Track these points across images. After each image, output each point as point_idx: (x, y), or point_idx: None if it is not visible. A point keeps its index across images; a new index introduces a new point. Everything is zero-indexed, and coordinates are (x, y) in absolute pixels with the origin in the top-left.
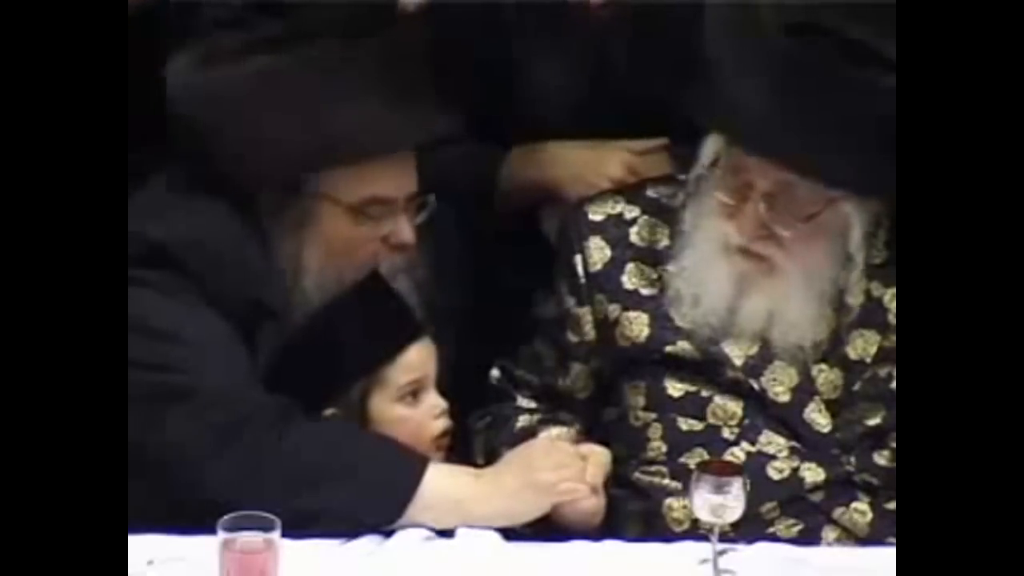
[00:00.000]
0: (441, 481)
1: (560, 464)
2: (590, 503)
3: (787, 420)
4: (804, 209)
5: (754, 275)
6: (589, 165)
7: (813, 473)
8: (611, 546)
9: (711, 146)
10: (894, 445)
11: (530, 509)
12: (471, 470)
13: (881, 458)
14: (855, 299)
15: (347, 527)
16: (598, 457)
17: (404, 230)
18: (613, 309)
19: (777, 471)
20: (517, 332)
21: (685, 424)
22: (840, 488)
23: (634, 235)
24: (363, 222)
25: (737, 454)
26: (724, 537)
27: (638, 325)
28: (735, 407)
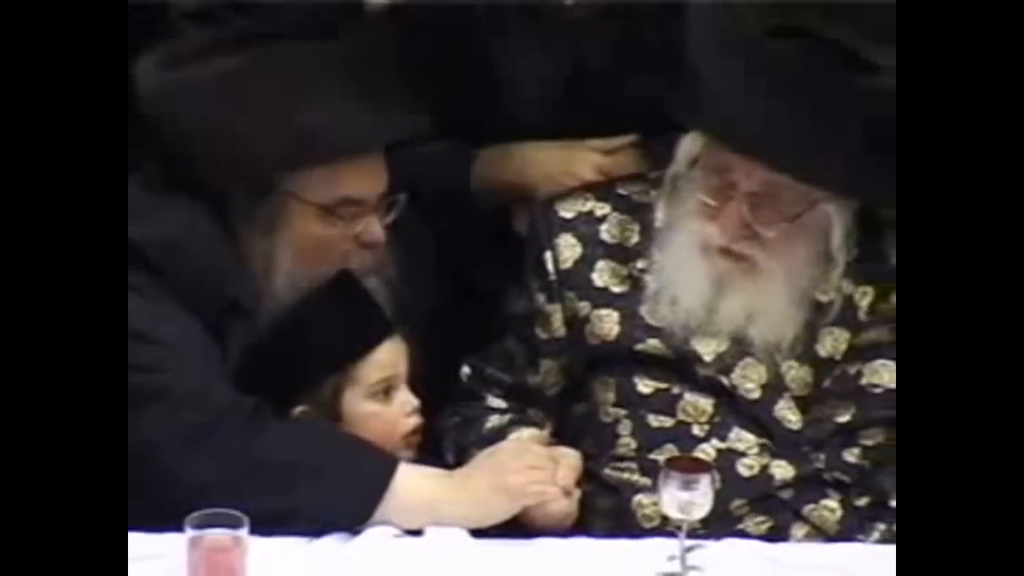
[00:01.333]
0: (411, 482)
1: (531, 466)
2: (561, 506)
3: (757, 417)
4: (788, 209)
5: (734, 275)
6: (558, 166)
7: (783, 470)
8: (580, 543)
9: (689, 146)
10: (864, 442)
11: (500, 511)
12: (441, 471)
13: (851, 455)
14: (829, 297)
15: (318, 526)
16: (569, 460)
17: (375, 229)
18: (583, 307)
19: (747, 468)
20: (488, 330)
21: (655, 421)
22: (809, 485)
23: (604, 232)
24: (334, 222)
25: (707, 451)
26: (694, 534)
27: (608, 323)
28: (705, 404)
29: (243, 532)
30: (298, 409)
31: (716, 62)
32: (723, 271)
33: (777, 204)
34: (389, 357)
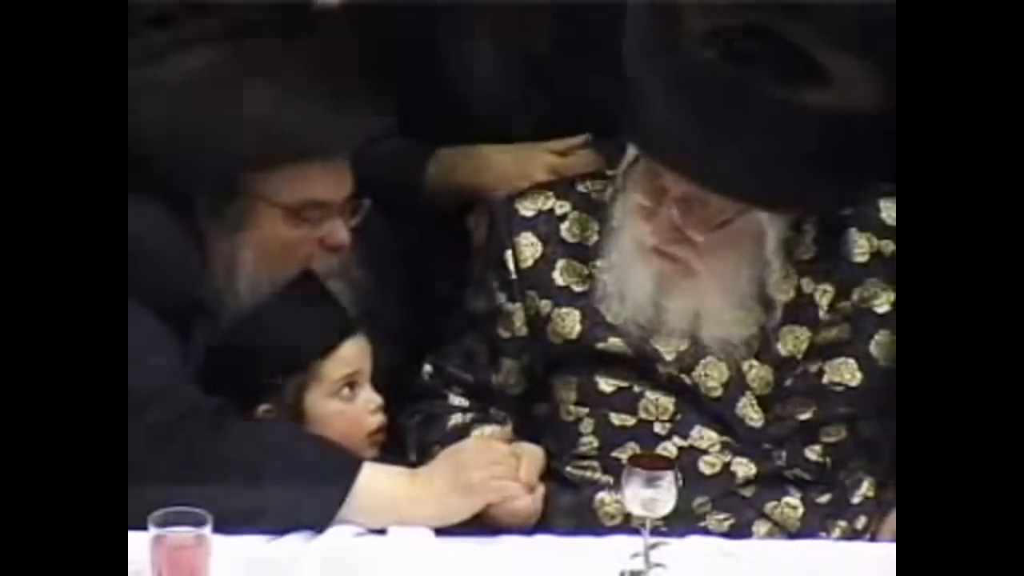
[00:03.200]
0: (375, 482)
1: (493, 463)
2: (524, 503)
3: (719, 415)
4: (715, 216)
5: (672, 276)
6: (513, 168)
7: (744, 468)
8: (543, 540)
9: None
10: (825, 440)
11: (464, 509)
12: (405, 470)
13: (812, 453)
14: (784, 296)
15: (282, 526)
16: (532, 456)
17: (340, 232)
18: (545, 305)
19: (709, 466)
20: (450, 329)
21: (617, 419)
22: (771, 483)
23: (565, 231)
24: (299, 224)
25: (669, 449)
26: (656, 531)
27: (570, 321)
28: (667, 402)
29: (206, 530)
30: (262, 408)
31: (641, 67)
32: (662, 271)
33: (706, 211)
34: (352, 354)
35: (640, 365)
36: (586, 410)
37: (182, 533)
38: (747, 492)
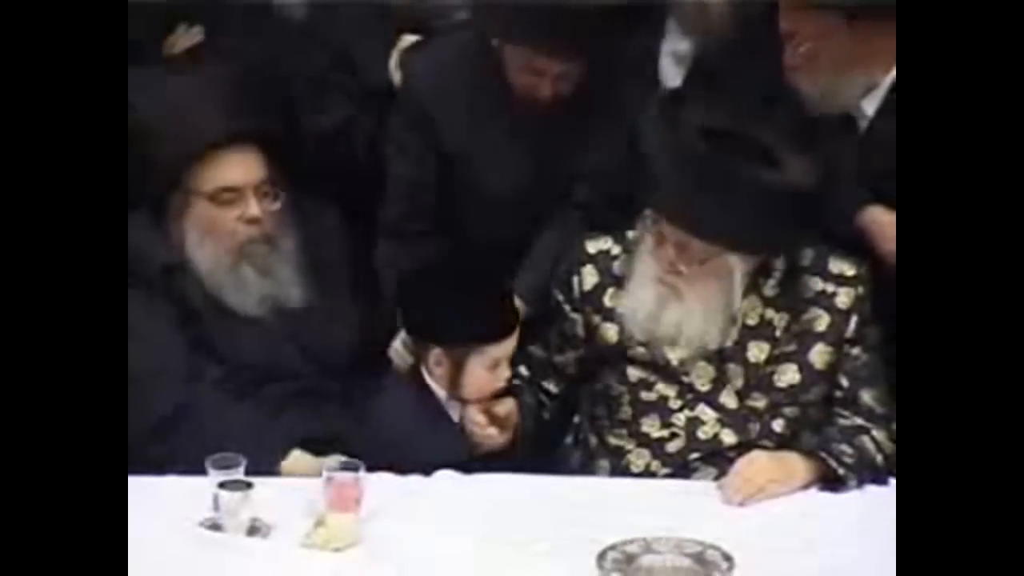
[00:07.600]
0: None
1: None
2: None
3: (709, 400)
4: (698, 255)
5: (667, 298)
6: None
7: (729, 436)
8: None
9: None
10: (783, 418)
11: None
12: None
13: (777, 426)
14: (752, 320)
15: None
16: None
17: (252, 208)
18: (596, 319)
19: (704, 433)
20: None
21: (644, 396)
22: (747, 448)
23: (616, 267)
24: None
25: (679, 419)
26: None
27: (611, 332)
28: (673, 390)
29: (361, 473)
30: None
31: (652, 148)
32: (659, 294)
33: (691, 251)
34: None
35: (655, 365)
36: (624, 389)
37: (345, 476)
38: (730, 454)
